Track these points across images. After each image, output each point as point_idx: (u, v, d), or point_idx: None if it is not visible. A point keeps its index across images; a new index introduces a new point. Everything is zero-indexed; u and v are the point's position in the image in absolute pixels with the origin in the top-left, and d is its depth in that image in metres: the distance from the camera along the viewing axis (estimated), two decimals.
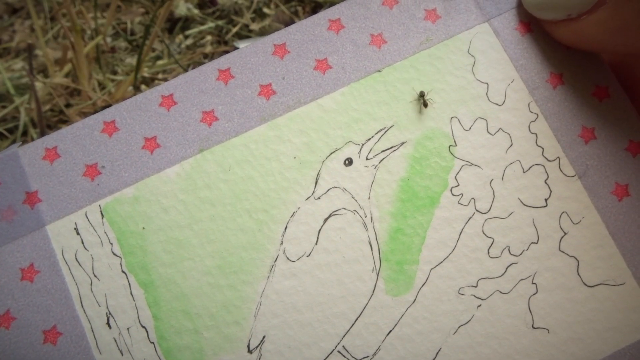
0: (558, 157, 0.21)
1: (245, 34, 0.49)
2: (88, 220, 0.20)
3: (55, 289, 0.20)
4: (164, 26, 0.48)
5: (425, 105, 0.20)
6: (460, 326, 0.20)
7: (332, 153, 0.21)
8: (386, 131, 0.21)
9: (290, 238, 0.20)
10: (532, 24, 0.21)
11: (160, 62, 0.48)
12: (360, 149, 0.21)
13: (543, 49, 0.21)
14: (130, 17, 0.49)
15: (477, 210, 0.20)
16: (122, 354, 0.19)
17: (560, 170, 0.21)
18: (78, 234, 0.20)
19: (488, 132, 0.21)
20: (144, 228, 0.20)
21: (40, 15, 0.48)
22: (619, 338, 0.20)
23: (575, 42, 0.21)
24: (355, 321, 0.20)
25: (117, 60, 0.48)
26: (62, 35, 0.48)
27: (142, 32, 0.48)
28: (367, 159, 0.21)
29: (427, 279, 0.20)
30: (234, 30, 0.50)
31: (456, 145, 0.21)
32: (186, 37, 0.49)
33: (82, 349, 0.19)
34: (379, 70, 0.21)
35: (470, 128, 0.21)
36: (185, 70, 0.46)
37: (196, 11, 0.50)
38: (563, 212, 0.20)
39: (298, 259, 0.20)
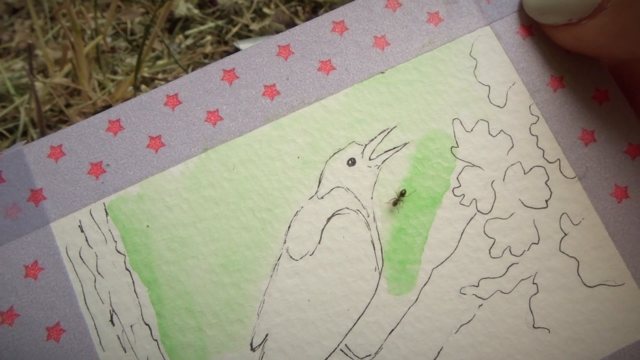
0: (558, 159, 0.21)
1: (245, 34, 0.50)
2: (92, 218, 0.20)
3: (59, 286, 0.20)
4: (164, 26, 0.48)
5: (395, 204, 0.20)
6: (461, 325, 0.20)
7: (335, 153, 0.21)
8: (389, 132, 0.21)
9: (294, 237, 0.20)
10: (533, 28, 0.22)
11: (160, 62, 0.48)
12: (363, 150, 0.21)
13: (544, 52, 0.22)
14: (130, 17, 0.49)
15: (478, 211, 0.21)
16: (125, 351, 0.20)
17: (561, 172, 0.21)
18: (82, 231, 0.20)
19: (489, 133, 0.21)
20: (148, 226, 0.20)
21: (40, 15, 0.48)
22: (619, 338, 0.20)
23: (576, 47, 0.21)
24: (358, 320, 0.20)
25: (117, 60, 0.48)
26: (62, 35, 0.48)
27: (142, 32, 0.48)
28: (370, 159, 0.21)
29: (429, 278, 0.20)
30: (234, 30, 0.50)
31: (458, 147, 0.21)
32: (186, 37, 0.49)
33: (85, 346, 0.20)
34: (382, 72, 0.21)
35: (472, 129, 0.21)
36: (185, 70, 0.46)
37: (196, 11, 0.50)
38: (563, 213, 0.21)
39: (301, 258, 0.20)
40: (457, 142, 0.21)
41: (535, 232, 0.20)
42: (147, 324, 0.20)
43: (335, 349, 0.20)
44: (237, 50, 0.49)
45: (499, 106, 0.21)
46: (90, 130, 0.21)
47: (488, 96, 0.21)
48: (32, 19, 0.47)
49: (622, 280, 0.20)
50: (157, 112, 0.21)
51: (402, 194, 0.20)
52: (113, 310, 0.20)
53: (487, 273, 0.20)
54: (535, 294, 0.20)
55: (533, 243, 0.20)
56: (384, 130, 0.21)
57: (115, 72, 0.47)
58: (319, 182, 0.21)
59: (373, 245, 0.20)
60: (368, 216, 0.20)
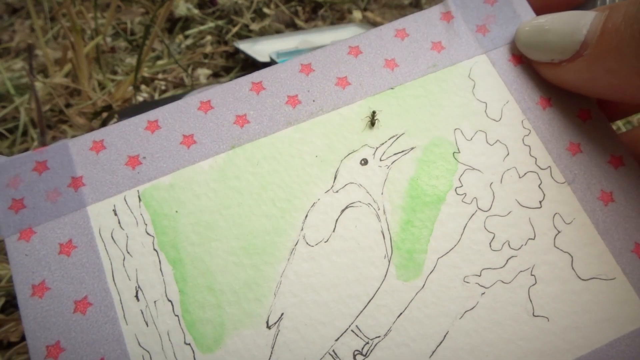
0: (549, 166, 0.23)
1: (245, 34, 0.50)
2: (126, 203, 0.22)
3: (90, 263, 0.21)
4: (164, 26, 0.49)
5: (373, 124, 0.23)
6: (466, 311, 0.21)
7: (349, 154, 0.23)
8: (398, 137, 0.24)
9: (310, 225, 0.22)
10: (523, 57, 0.25)
11: (160, 62, 0.49)
12: (375, 151, 0.23)
13: (533, 77, 0.25)
14: (130, 17, 0.51)
15: (479, 208, 0.23)
16: (147, 325, 0.21)
17: (552, 177, 0.23)
18: (116, 214, 0.22)
19: (487, 142, 0.24)
20: (177, 211, 0.22)
21: (40, 15, 0.49)
22: (614, 328, 0.21)
23: (556, 83, 0.24)
24: (368, 303, 0.21)
25: (117, 60, 0.49)
26: (62, 35, 0.49)
27: (142, 32, 0.49)
28: (380, 160, 0.23)
29: (434, 266, 0.22)
30: (234, 30, 0.51)
31: (459, 152, 0.23)
32: (186, 37, 0.50)
33: (109, 319, 0.21)
34: (392, 88, 0.24)
35: (471, 138, 0.24)
36: (185, 70, 0.47)
37: (196, 11, 0.51)
38: (556, 213, 0.23)
39: (317, 244, 0.22)
40: (458, 149, 0.23)
41: (532, 228, 0.22)
42: (169, 300, 0.21)
43: (347, 329, 0.21)
44: (237, 50, 0.50)
45: (495, 120, 0.24)
46: (130, 128, 0.24)
47: (485, 111, 0.24)
48: (32, 19, 0.47)
49: (613, 275, 0.22)
50: (191, 115, 0.24)
51: (374, 113, 0.23)
52: (139, 287, 0.21)
53: (489, 264, 0.22)
54: (533, 285, 0.22)
55: (530, 238, 0.22)
56: (394, 136, 0.24)
57: (115, 72, 0.48)
58: (335, 178, 0.23)
59: (383, 235, 0.22)
60: (379, 209, 0.22)
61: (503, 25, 0.26)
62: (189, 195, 0.22)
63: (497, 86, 0.25)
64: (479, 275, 0.22)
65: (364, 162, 0.23)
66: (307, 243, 0.22)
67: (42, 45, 0.46)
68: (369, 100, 0.24)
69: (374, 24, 0.59)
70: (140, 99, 0.49)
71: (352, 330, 0.21)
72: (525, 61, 0.25)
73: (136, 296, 0.21)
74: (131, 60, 0.49)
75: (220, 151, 0.23)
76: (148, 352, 0.20)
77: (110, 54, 0.49)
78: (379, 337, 0.21)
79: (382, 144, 0.23)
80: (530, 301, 0.21)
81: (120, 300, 0.21)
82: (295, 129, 0.24)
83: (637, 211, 0.23)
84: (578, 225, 0.22)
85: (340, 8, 0.59)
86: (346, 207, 0.22)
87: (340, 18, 0.58)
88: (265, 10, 0.55)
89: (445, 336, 0.21)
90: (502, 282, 0.22)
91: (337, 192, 0.23)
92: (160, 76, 0.49)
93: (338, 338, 0.21)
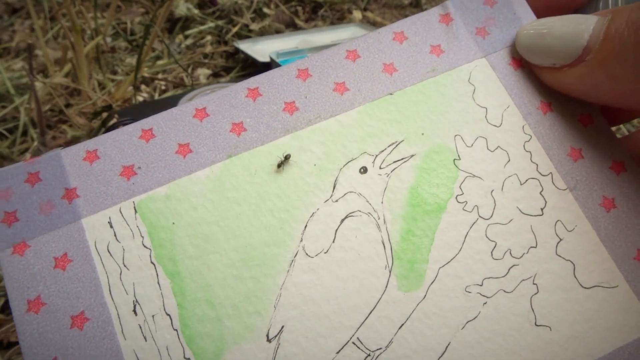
0: (551, 173, 0.23)
1: (245, 34, 0.50)
2: (122, 215, 0.22)
3: (86, 277, 0.21)
4: (164, 26, 0.49)
5: (279, 166, 0.23)
6: (467, 322, 0.21)
7: (348, 162, 0.23)
8: (397, 145, 0.23)
9: (310, 236, 0.22)
10: (523, 60, 0.25)
11: (160, 62, 0.49)
12: (374, 159, 0.23)
13: (533, 81, 0.24)
14: (130, 17, 0.50)
15: (480, 216, 0.22)
16: (145, 340, 0.20)
17: (553, 184, 0.23)
18: (111, 227, 0.22)
19: (488, 149, 0.23)
20: (173, 223, 0.22)
21: (40, 15, 0.49)
22: (617, 337, 0.21)
23: (557, 87, 0.24)
24: (369, 314, 0.21)
25: (117, 60, 0.48)
26: (62, 35, 0.49)
27: (142, 32, 0.49)
28: (380, 167, 0.23)
29: (436, 276, 0.21)
30: (234, 30, 0.51)
31: (460, 159, 0.23)
32: (186, 37, 0.50)
33: (107, 334, 0.20)
34: (391, 94, 0.24)
35: (472, 145, 0.23)
36: (185, 70, 0.47)
37: (196, 11, 0.51)
38: (558, 220, 0.22)
39: (316, 255, 0.21)
40: (459, 155, 0.23)
41: (533, 237, 0.22)
42: (168, 314, 0.21)
43: (348, 341, 0.21)
44: (237, 50, 0.50)
45: (495, 125, 0.24)
46: (124, 137, 0.23)
47: (485, 117, 0.24)
48: (32, 19, 0.47)
49: (615, 283, 0.22)
50: (186, 123, 0.23)
51: (287, 157, 0.23)
52: (136, 301, 0.21)
53: (490, 273, 0.21)
54: (535, 294, 0.21)
55: (531, 247, 0.22)
56: (393, 143, 0.23)
57: (115, 72, 0.48)
58: (334, 187, 0.22)
59: (383, 245, 0.22)
60: (379, 219, 0.22)
61: (503, 28, 0.25)
62: (185, 207, 0.22)
63: (498, 91, 0.24)
64: (481, 285, 0.21)
65: (364, 170, 0.23)
66: (307, 254, 0.22)
67: (42, 45, 0.45)
68: (368, 106, 0.24)
69: (374, 24, 0.58)
70: (140, 99, 0.49)
71: (353, 343, 0.21)
72: (526, 65, 0.25)
73: (134, 310, 0.21)
74: (131, 60, 0.49)
75: (217, 160, 0.23)
76: None
77: (110, 54, 0.48)
78: (380, 349, 0.21)
79: (382, 151, 0.23)
80: (533, 310, 0.21)
81: (118, 314, 0.21)
82: (293, 136, 0.23)
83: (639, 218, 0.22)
84: (580, 232, 0.22)
85: (340, 8, 0.58)
86: (346, 217, 0.22)
87: (340, 18, 0.58)
88: (265, 10, 0.54)
89: (447, 347, 0.21)
90: (504, 291, 0.21)
91: (336, 201, 0.22)
92: (160, 76, 0.48)
93: (339, 351, 0.20)
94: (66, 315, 0.20)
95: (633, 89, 0.20)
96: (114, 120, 0.46)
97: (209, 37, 0.51)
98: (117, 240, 0.22)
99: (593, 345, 0.21)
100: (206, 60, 0.49)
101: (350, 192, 0.22)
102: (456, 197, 0.23)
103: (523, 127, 0.24)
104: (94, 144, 0.23)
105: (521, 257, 0.22)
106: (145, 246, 0.22)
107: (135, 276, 0.21)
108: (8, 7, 0.51)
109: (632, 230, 0.22)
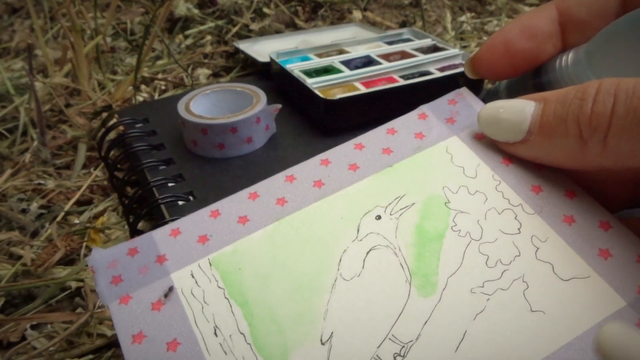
0: (520, 204, 0.30)
1: (245, 34, 0.50)
2: (200, 268, 0.29)
3: (176, 314, 0.27)
4: (164, 26, 0.49)
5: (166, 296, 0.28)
6: (477, 314, 0.26)
7: (366, 213, 0.30)
8: (401, 198, 0.31)
9: (344, 266, 0.28)
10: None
11: (160, 62, 0.49)
12: (385, 209, 0.31)
13: (495, 145, 0.33)
14: (130, 17, 0.52)
15: (472, 239, 0.29)
16: (226, 354, 0.26)
17: (524, 211, 0.30)
18: (193, 277, 0.29)
19: (469, 193, 0.31)
20: (240, 269, 0.29)
21: (40, 15, 0.50)
22: (600, 311, 0.26)
23: (514, 155, 0.32)
24: (399, 316, 0.26)
25: (117, 60, 0.49)
26: (62, 35, 0.49)
27: (142, 32, 0.48)
28: (390, 214, 0.30)
29: (446, 284, 0.27)
30: (234, 30, 0.52)
31: (450, 202, 0.31)
32: (186, 37, 0.51)
33: (195, 353, 0.26)
34: (391, 166, 0.33)
35: (457, 192, 0.31)
36: (185, 70, 0.46)
37: (196, 11, 0.52)
38: (533, 235, 0.29)
39: (351, 279, 0.28)
40: (448, 200, 0.31)
41: (516, 249, 0.29)
42: (242, 333, 0.26)
43: (385, 338, 0.26)
44: (237, 50, 0.49)
45: (472, 177, 0.32)
46: (198, 218, 0.31)
47: (463, 172, 0.32)
48: (32, 19, 0.47)
49: (587, 274, 0.27)
50: (243, 202, 0.32)
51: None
52: (216, 326, 0.27)
53: (488, 277, 0.28)
54: (527, 289, 0.27)
55: (516, 255, 0.28)
56: (397, 197, 0.31)
57: (115, 72, 0.48)
58: (358, 230, 0.30)
59: (402, 266, 0.28)
60: (395, 248, 0.29)
61: (465, 116, 0.35)
62: (247, 257, 0.29)
63: (469, 155, 0.33)
64: (482, 287, 0.27)
65: (378, 217, 0.30)
66: (344, 278, 0.28)
67: (42, 45, 0.46)
68: (375, 176, 0.32)
69: (374, 24, 0.58)
70: (140, 98, 0.47)
71: (389, 339, 0.26)
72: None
73: (215, 333, 0.26)
74: (131, 60, 0.50)
75: (268, 224, 0.31)
76: None
77: (110, 54, 0.50)
78: (411, 341, 0.26)
79: (390, 203, 0.31)
80: (527, 301, 0.27)
81: (203, 338, 0.26)
82: (322, 202, 0.31)
83: (594, 226, 0.29)
84: (552, 241, 0.29)
85: (340, 8, 0.60)
86: (370, 250, 0.29)
87: (340, 18, 0.60)
88: (265, 10, 0.56)
89: (464, 334, 0.26)
90: (502, 289, 0.27)
91: (361, 240, 0.29)
92: (160, 76, 0.49)
93: (379, 345, 0.26)
94: (163, 342, 0.26)
95: (571, 164, 0.29)
96: (114, 120, 0.46)
97: (209, 37, 0.52)
98: (198, 285, 0.28)
99: (579, 322, 0.26)
100: (206, 60, 0.51)
101: (371, 233, 0.30)
102: (452, 227, 0.30)
103: (492, 175, 0.32)
104: (177, 224, 0.31)
105: (510, 263, 0.28)
106: (219, 287, 0.28)
107: (214, 309, 0.27)
108: (8, 7, 0.53)
109: (591, 235, 0.29)
